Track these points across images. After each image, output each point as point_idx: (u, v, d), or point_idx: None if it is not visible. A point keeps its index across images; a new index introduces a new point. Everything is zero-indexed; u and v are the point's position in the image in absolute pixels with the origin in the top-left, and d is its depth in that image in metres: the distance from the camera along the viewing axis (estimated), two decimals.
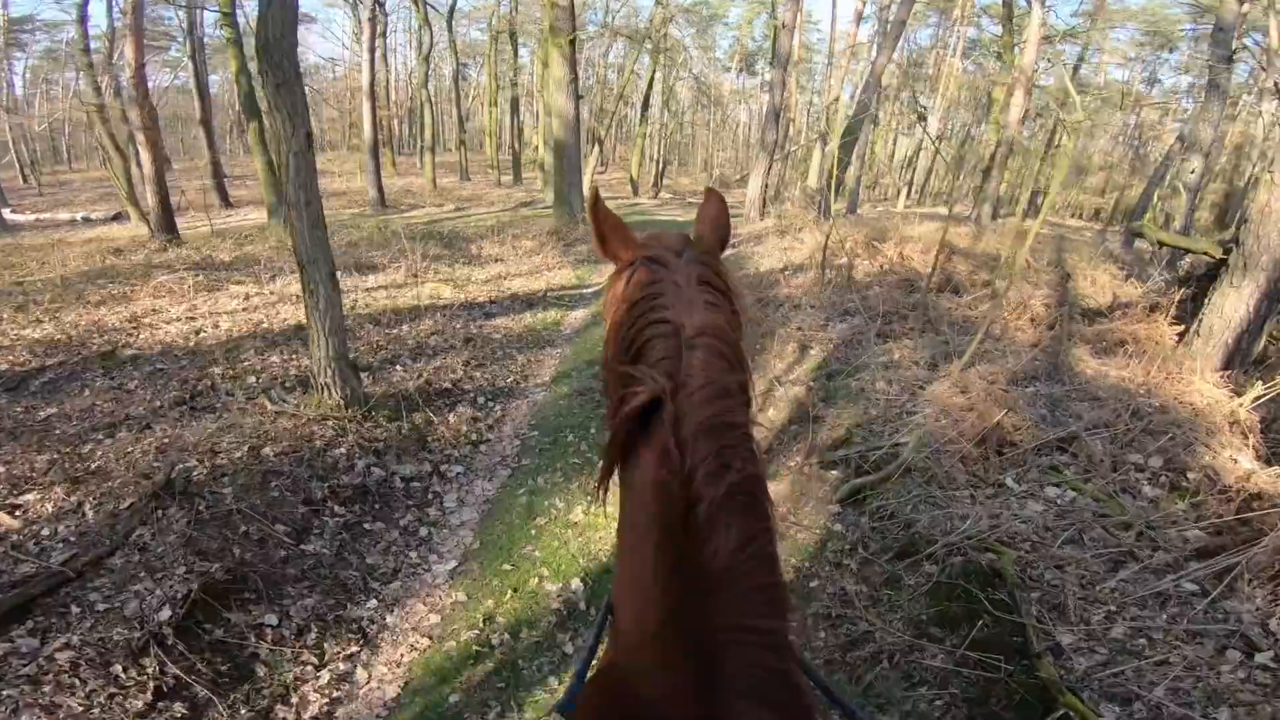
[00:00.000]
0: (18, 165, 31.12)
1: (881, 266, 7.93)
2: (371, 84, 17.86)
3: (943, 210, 24.23)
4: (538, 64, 28.96)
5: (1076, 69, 26.13)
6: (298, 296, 7.25)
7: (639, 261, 0.99)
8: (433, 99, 27.50)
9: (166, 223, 12.88)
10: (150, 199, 12.88)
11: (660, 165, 30.13)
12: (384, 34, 31.52)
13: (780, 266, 8.85)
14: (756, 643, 0.71)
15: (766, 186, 14.60)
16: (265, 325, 6.32)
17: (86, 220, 21.53)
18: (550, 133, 12.56)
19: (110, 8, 15.60)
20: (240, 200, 23.58)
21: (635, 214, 19.58)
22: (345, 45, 37.38)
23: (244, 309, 6.86)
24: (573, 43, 10.64)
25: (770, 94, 14.64)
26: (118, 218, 19.16)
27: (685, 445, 0.76)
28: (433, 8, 27.85)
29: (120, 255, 11.39)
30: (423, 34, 25.69)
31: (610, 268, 1.08)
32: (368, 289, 7.76)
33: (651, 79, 25.82)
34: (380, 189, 20.02)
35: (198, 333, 6.07)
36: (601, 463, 0.91)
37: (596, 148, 28.49)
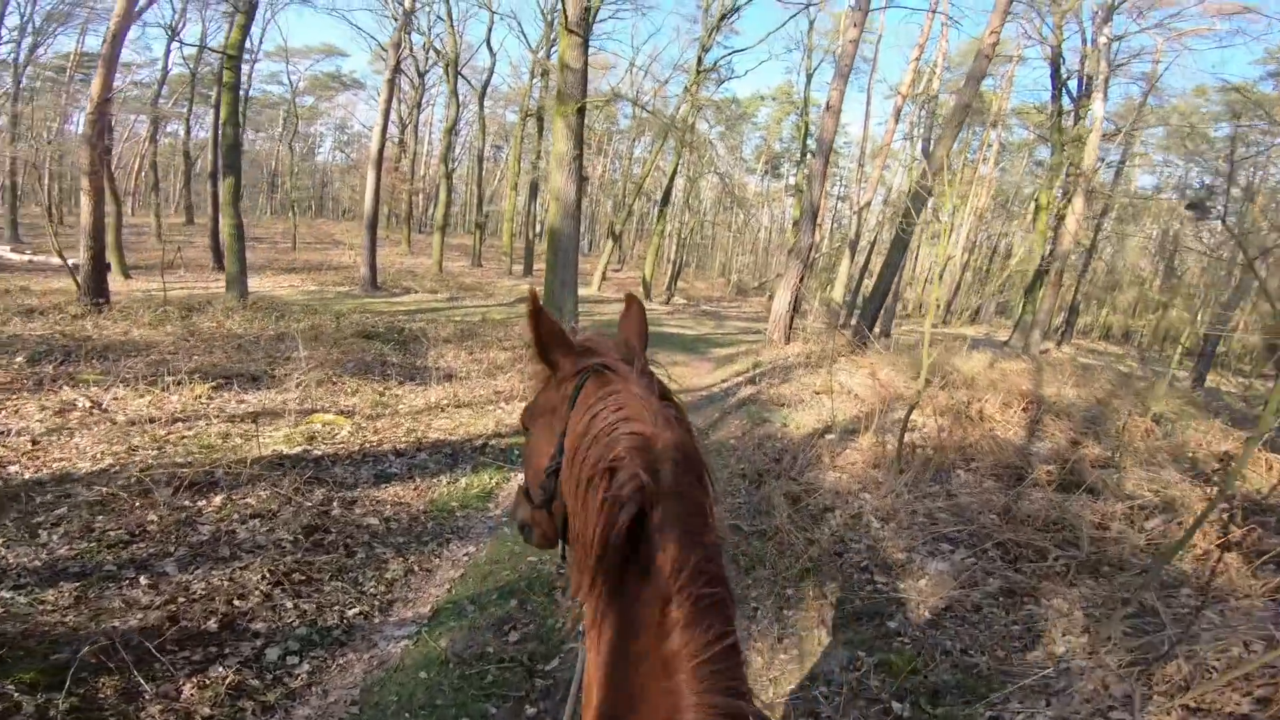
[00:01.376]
0: (47, 200, 30.57)
1: (957, 436, 5.67)
2: (379, 152, 16.83)
3: (972, 332, 22.51)
4: None
5: (1118, 172, 24.30)
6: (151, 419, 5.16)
7: (590, 369, 0.97)
8: (452, 177, 26.69)
9: (96, 283, 11.09)
10: (82, 254, 11.19)
11: (676, 267, 28.50)
12: (419, 105, 31.42)
13: (819, 427, 6.67)
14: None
15: (796, 301, 12.59)
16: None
17: (76, 267, 20.39)
18: (548, 219, 10.69)
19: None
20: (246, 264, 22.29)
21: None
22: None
23: (37, 432, 4.68)
24: (581, 112, 8.98)
25: (808, 188, 12.93)
26: (109, 266, 18.13)
27: (665, 556, 0.80)
28: (465, 80, 27.58)
29: (32, 316, 9.59)
30: (450, 107, 25.12)
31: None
32: (234, 414, 5.55)
33: (674, 172, 24.78)
34: (373, 267, 18.65)
35: None
36: (587, 585, 0.86)
37: (612, 243, 27.40)
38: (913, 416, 5.31)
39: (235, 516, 3.79)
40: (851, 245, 23.10)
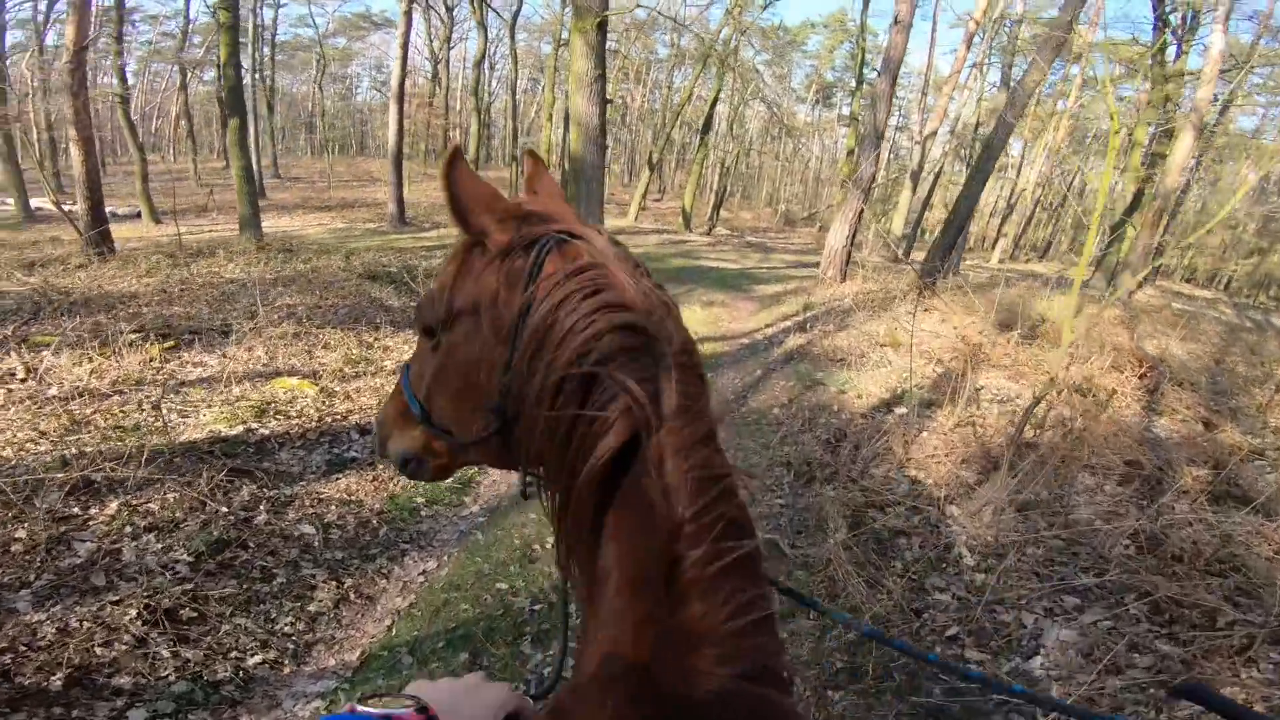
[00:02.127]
0: (38, 152, 30.72)
1: (1060, 409, 4.43)
2: (400, 86, 15.91)
3: (1043, 269, 20.41)
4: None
5: (1223, 111, 21.82)
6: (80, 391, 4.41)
7: (552, 237, 0.71)
8: (489, 110, 25.46)
9: (100, 234, 10.57)
10: (80, 202, 10.68)
11: (719, 196, 26.70)
12: (449, 40, 30.03)
13: (886, 397, 5.47)
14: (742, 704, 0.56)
15: (854, 236, 11.17)
16: None
17: (113, 215, 20.40)
18: (567, 146, 9.42)
19: None
20: (274, 205, 21.98)
21: (677, 255, 16.15)
22: (419, 50, 36.24)
23: None
24: (602, 28, 7.63)
25: (871, 111, 11.27)
26: (139, 215, 18.03)
27: (668, 497, 0.59)
28: (495, 12, 25.96)
29: (38, 268, 9.12)
30: (479, 39, 23.84)
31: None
32: (184, 379, 4.75)
33: (715, 99, 22.85)
34: (400, 203, 18.15)
35: None
36: (563, 540, 0.67)
37: (650, 172, 25.87)
38: (1004, 383, 4.12)
39: (127, 530, 2.97)
40: (913, 176, 21.23)
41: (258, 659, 2.53)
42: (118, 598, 2.59)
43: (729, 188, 31.90)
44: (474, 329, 0.75)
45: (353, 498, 3.59)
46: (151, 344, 5.21)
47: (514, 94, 27.69)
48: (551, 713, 0.65)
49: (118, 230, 15.82)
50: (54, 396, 4.24)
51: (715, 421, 0.66)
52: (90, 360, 4.74)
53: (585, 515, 0.64)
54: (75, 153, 10.21)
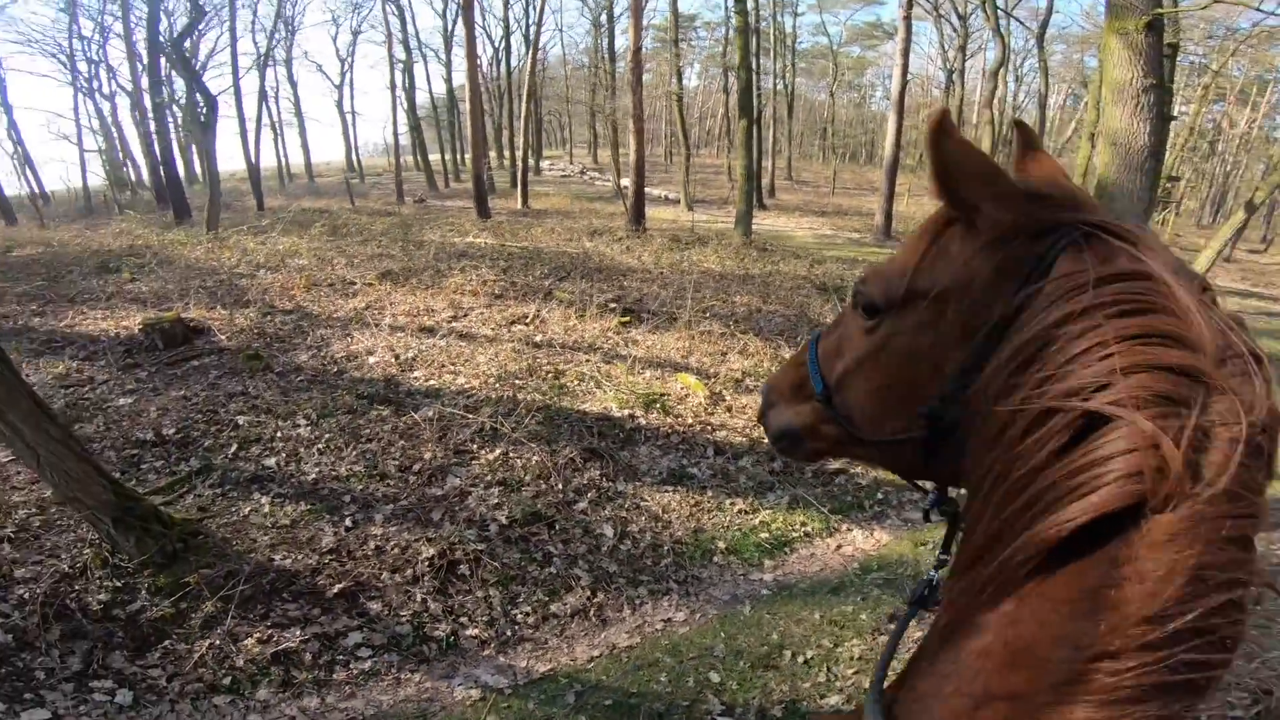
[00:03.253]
0: (664, 145, 39.93)
1: None
2: (901, 94, 15.53)
3: None
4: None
5: None
6: (585, 344, 5.64)
7: (1076, 228, 0.58)
8: (998, 124, 22.79)
9: (637, 210, 13.42)
10: (630, 184, 13.63)
11: None
12: (963, 48, 27.74)
13: None
14: None
15: None
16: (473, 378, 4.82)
17: (665, 199, 26.19)
18: (1099, 169, 7.50)
19: None
20: (779, 205, 24.52)
21: (1267, 334, 11.03)
22: (932, 60, 34.70)
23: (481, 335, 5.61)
24: (1152, 28, 5.62)
25: None
26: (679, 201, 22.60)
27: (1141, 585, 0.47)
28: (1018, 21, 22.78)
29: (594, 236, 12.17)
30: (996, 47, 21.37)
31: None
32: (620, 354, 5.49)
33: None
34: (888, 215, 17.89)
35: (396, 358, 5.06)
36: (956, 580, 0.60)
37: (1244, 215, 18.61)
38: None
39: (489, 478, 3.62)
40: None
41: (473, 632, 2.79)
42: (433, 536, 3.16)
43: None
44: (933, 319, 0.66)
45: (665, 515, 3.61)
46: (614, 315, 6.31)
47: (1043, 108, 23.86)
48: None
49: (660, 211, 20.04)
50: (536, 343, 5.52)
51: (1260, 528, 0.49)
52: (568, 320, 6.01)
53: (1008, 576, 0.54)
54: (631, 142, 13.04)
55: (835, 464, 4.20)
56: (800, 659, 2.73)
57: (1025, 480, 0.53)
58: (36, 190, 23.87)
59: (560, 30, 43.46)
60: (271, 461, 3.62)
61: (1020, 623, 0.53)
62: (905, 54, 15.50)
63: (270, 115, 31.31)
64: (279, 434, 3.86)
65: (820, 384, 0.81)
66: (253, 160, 18.75)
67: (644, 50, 12.97)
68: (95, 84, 25.91)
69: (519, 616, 2.94)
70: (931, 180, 0.66)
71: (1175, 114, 18.59)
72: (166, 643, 2.49)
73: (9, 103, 22.62)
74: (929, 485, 0.75)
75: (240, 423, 3.95)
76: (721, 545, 3.53)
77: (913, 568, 3.42)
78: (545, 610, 2.99)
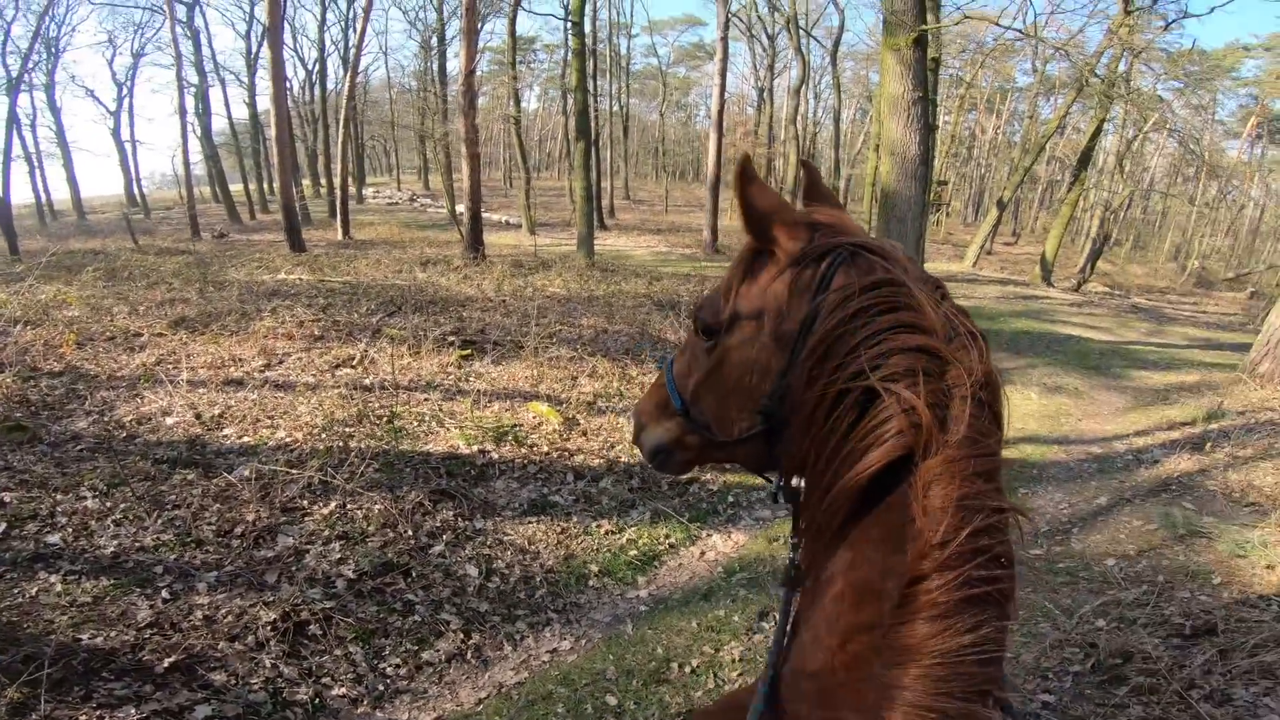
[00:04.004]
0: (504, 169, 39.07)
1: None
2: (720, 112, 16.72)
3: None
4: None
5: None
6: (420, 381, 5.19)
7: (844, 250, 0.75)
8: (811, 139, 25.22)
9: (473, 238, 12.98)
10: (465, 211, 13.17)
11: (1098, 245, 21.13)
12: (772, 67, 30.63)
13: None
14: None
15: None
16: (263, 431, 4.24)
17: (505, 223, 25.65)
18: (880, 177, 8.43)
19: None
20: (619, 225, 24.96)
21: (1022, 315, 12.60)
22: (746, 79, 37.84)
23: (299, 384, 5.01)
24: (919, 44, 6.52)
25: None
26: (521, 225, 22.23)
27: (927, 518, 0.61)
28: (815, 40, 25.64)
29: (427, 266, 11.50)
30: (796, 66, 23.82)
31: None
32: (461, 389, 5.24)
33: (1096, 131, 18.42)
34: (714, 230, 19.01)
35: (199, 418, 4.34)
36: (805, 543, 0.75)
37: (998, 211, 22.34)
38: None
39: (327, 533, 3.25)
40: None
41: (340, 691, 2.51)
42: (271, 599, 2.79)
43: (1114, 235, 25.85)
44: (754, 334, 0.81)
45: (532, 547, 3.48)
46: (453, 350, 5.97)
47: (837, 123, 26.98)
48: (763, 696, 0.77)
49: (501, 237, 19.65)
50: (365, 386, 5.05)
51: (1000, 463, 0.65)
52: (401, 358, 5.58)
53: (834, 521, 0.68)
54: (465, 166, 12.62)
55: (688, 475, 4.27)
56: (687, 669, 2.77)
57: (834, 449, 0.67)
58: None
59: (385, 53, 41.30)
60: (55, 538, 3.06)
61: (856, 566, 0.65)
62: (723, 74, 16.67)
63: (24, 145, 26.54)
64: (59, 508, 3.27)
65: (679, 400, 0.95)
66: (0, 196, 15.66)
67: (479, 73, 12.62)
68: None
69: (388, 670, 2.66)
70: (740, 217, 0.81)
71: (939, 123, 21.72)
72: None
73: None
74: (774, 476, 0.87)
75: (5, 499, 3.29)
76: (594, 568, 3.45)
77: (770, 564, 3.59)
78: (417, 660, 2.73)
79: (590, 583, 3.35)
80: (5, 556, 2.89)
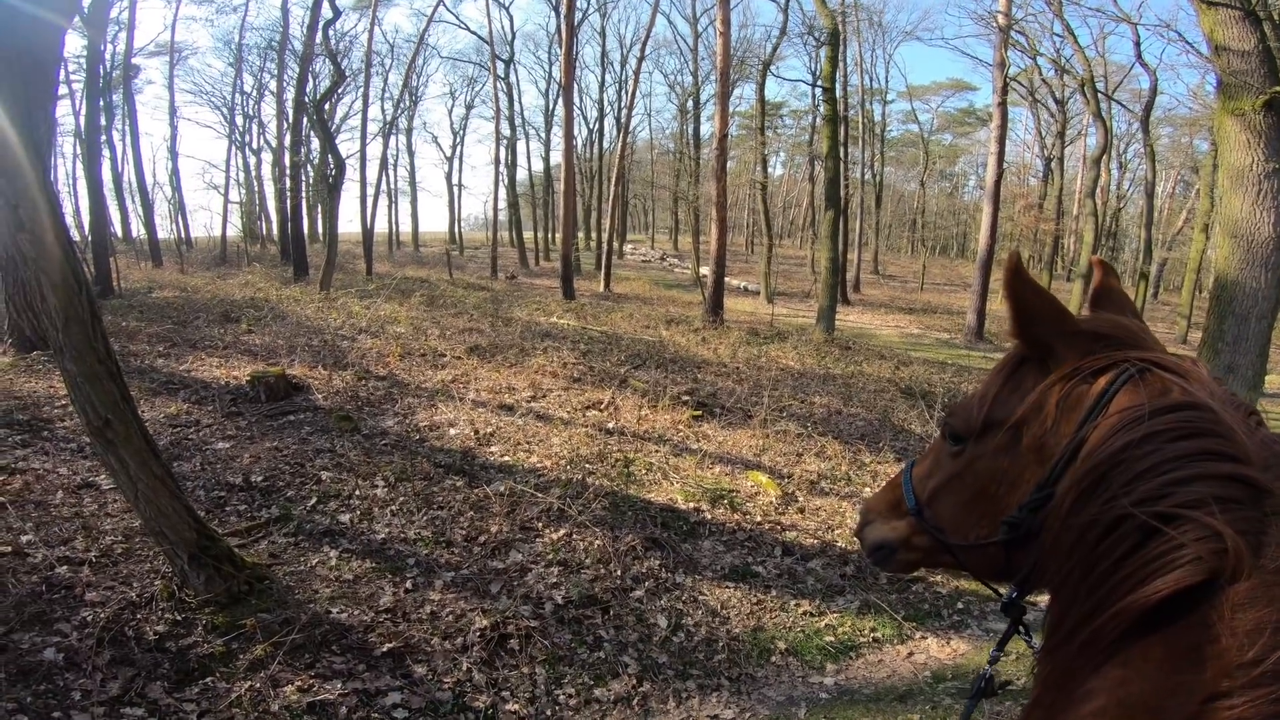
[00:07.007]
0: (746, 234, 40.05)
1: None
2: (997, 183, 15.24)
3: None
4: None
5: None
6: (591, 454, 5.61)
7: (1131, 366, 0.71)
8: (1112, 216, 21.85)
9: (715, 302, 13.56)
10: (709, 274, 13.79)
11: None
12: (1062, 134, 27.00)
13: None
14: None
15: None
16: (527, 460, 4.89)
17: (744, 289, 26.27)
18: (1217, 264, 7.05)
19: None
20: (864, 300, 24.00)
21: None
22: (1029, 147, 33.99)
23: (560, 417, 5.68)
24: (1271, 106, 5.34)
25: None
26: (759, 292, 22.49)
27: (1233, 639, 0.57)
28: (1121, 105, 22.01)
29: (670, 325, 12.27)
30: (1097, 133, 20.57)
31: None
32: (689, 448, 5.45)
33: None
34: (981, 315, 16.98)
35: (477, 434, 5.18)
36: (1054, 658, 0.69)
37: None
38: None
39: (550, 557, 3.60)
40: None
41: (513, 707, 2.70)
42: (489, 608, 3.14)
43: None
44: (1009, 444, 0.79)
45: (724, 611, 3.50)
46: (686, 409, 6.30)
47: (1150, 198, 22.66)
48: None
49: (739, 303, 19.93)
50: (608, 429, 5.58)
51: None
52: (640, 409, 6.05)
53: (1102, 641, 0.64)
54: (713, 230, 13.25)
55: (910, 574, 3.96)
56: None
57: (1109, 570, 0.63)
58: (182, 236, 26.85)
59: (649, 115, 45.05)
60: (346, 518, 3.77)
61: (1129, 682, 0.61)
62: (1001, 141, 15.31)
63: (388, 182, 33.78)
64: (357, 492, 4.04)
65: (913, 500, 0.95)
66: (368, 225, 20.19)
67: (729, 137, 13.31)
68: (247, 138, 29.15)
69: (561, 697, 2.86)
70: (1010, 323, 0.78)
71: None
72: (208, 679, 2.53)
73: (176, 150, 25.31)
74: (1003, 589, 0.87)
75: (323, 478, 4.17)
76: (781, 645, 3.36)
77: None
78: (589, 694, 2.90)
79: (773, 659, 3.27)
80: (306, 527, 3.57)
